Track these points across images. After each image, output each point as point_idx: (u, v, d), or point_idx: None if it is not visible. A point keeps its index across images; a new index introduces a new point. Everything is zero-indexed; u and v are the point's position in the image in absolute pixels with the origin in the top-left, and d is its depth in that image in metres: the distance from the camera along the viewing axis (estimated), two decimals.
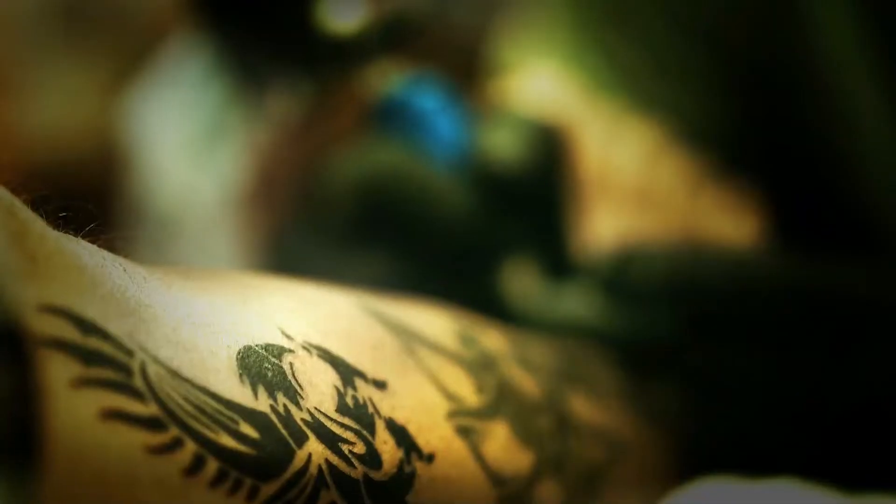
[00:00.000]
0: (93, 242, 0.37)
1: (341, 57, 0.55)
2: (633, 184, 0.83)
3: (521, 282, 0.54)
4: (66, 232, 0.36)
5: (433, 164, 0.54)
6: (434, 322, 0.44)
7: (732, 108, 0.86)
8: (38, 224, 0.34)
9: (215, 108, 0.61)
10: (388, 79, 0.56)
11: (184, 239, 0.63)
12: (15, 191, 0.34)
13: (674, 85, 0.86)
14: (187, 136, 0.61)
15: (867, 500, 0.50)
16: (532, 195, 0.54)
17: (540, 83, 0.88)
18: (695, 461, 0.53)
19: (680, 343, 0.51)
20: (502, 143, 0.53)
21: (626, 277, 0.50)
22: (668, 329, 0.51)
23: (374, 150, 0.54)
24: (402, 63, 0.57)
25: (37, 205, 0.35)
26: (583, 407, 0.46)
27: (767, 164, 0.86)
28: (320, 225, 0.55)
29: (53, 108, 2.24)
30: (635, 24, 0.87)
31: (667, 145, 0.84)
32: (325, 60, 0.55)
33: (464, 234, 0.53)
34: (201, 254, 0.64)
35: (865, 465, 0.53)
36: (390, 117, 0.55)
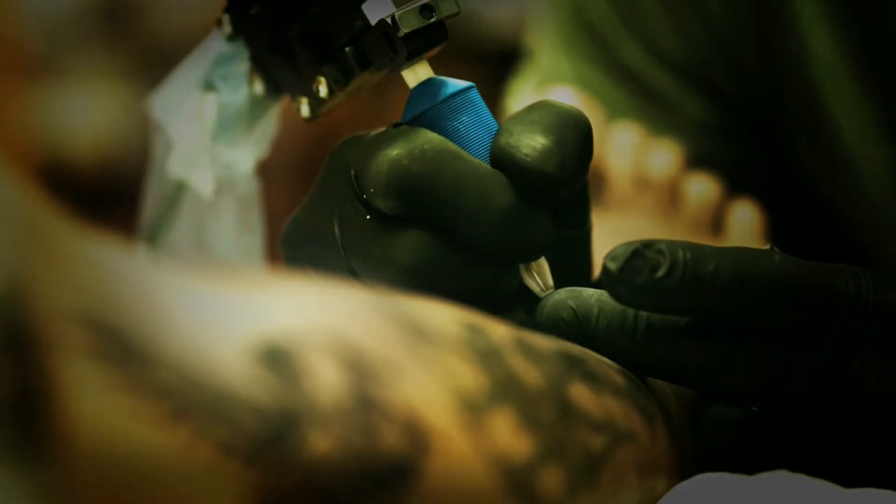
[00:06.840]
0: (110, 239, 0.38)
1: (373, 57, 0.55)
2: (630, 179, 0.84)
3: (539, 279, 0.55)
4: (86, 231, 0.37)
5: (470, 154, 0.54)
6: (441, 312, 0.45)
7: (715, 139, 0.87)
8: (60, 224, 0.36)
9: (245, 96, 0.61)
10: (422, 90, 0.55)
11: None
12: (36, 188, 0.35)
13: (649, 108, 0.87)
14: (216, 120, 0.61)
15: (864, 493, 0.50)
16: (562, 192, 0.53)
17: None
18: (694, 457, 0.53)
19: (681, 338, 0.52)
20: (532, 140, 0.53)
21: (631, 274, 0.50)
22: (671, 324, 0.51)
23: (409, 135, 0.54)
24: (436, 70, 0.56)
25: (57, 203, 0.36)
26: (584, 396, 0.47)
27: (755, 186, 0.87)
28: (352, 208, 0.54)
29: (79, 108, 2.25)
30: (609, 54, 0.87)
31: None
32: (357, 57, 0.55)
33: (496, 227, 0.52)
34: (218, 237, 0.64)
35: (865, 465, 0.54)
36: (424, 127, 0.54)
